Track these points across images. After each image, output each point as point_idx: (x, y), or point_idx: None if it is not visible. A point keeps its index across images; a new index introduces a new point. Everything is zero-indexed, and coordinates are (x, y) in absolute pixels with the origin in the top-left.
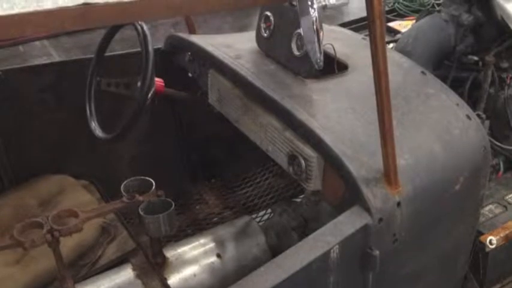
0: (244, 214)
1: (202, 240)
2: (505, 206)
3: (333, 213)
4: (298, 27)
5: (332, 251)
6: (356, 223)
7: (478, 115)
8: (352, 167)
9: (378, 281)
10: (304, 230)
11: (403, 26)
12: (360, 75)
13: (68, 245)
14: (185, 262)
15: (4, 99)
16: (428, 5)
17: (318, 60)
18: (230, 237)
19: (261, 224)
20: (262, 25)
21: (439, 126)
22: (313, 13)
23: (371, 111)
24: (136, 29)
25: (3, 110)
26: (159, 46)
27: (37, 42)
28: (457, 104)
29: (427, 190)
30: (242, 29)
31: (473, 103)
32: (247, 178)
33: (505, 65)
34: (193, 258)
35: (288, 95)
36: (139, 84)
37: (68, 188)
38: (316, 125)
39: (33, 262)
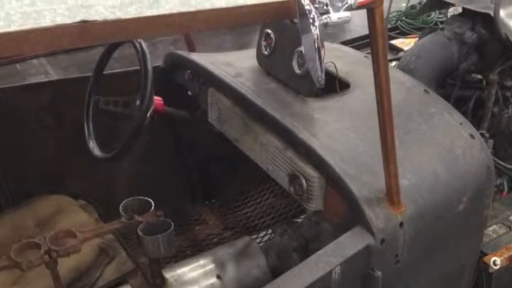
0: (245, 235)
1: (202, 261)
2: (509, 227)
3: (334, 234)
4: (299, 45)
5: (333, 272)
6: (358, 244)
7: (482, 134)
8: (354, 187)
9: None
10: (306, 250)
11: (405, 43)
12: (362, 93)
13: (65, 266)
14: (185, 283)
15: (1, 117)
16: (431, 22)
17: (320, 79)
18: (230, 258)
19: (261, 244)
20: (263, 43)
21: (442, 146)
22: (315, 31)
23: (373, 130)
24: (135, 46)
25: (1, 129)
26: (158, 64)
27: (34, 60)
28: (461, 123)
29: (430, 210)
30: (242, 46)
31: (476, 122)
32: (248, 198)
33: (509, 83)
34: (193, 279)
35: (289, 114)
36: (138, 102)
37: (65, 208)
38: (318, 144)
39: (31, 283)
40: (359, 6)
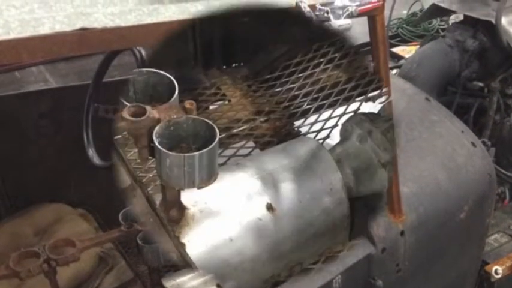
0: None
1: (201, 270)
2: (511, 235)
3: None
4: None
5: (334, 281)
6: (359, 253)
7: (484, 142)
8: None
9: None
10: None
11: (407, 51)
12: None
13: (64, 275)
14: None
15: (0, 125)
16: (433, 30)
17: None
18: None
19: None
20: None
21: (443, 154)
22: None
23: None
24: (134, 54)
25: (0, 137)
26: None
27: (33, 68)
28: (462, 131)
29: (431, 219)
30: None
31: (478, 130)
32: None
33: (510, 91)
34: None
35: None
36: None
37: (64, 217)
38: None
39: None
40: (360, 14)
